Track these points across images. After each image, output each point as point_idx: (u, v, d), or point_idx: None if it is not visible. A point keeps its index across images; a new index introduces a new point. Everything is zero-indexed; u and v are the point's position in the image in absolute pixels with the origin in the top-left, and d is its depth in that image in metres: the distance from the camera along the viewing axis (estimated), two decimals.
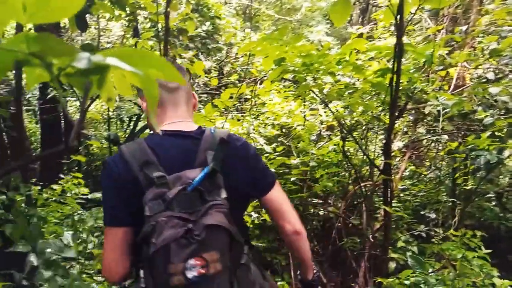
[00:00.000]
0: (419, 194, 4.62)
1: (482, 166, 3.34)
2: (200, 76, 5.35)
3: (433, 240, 3.70)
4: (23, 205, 2.70)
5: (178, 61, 4.18)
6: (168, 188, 1.09)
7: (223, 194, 1.12)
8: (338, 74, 2.87)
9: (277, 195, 1.32)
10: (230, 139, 1.25)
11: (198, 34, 5.52)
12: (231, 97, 4.14)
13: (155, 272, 1.05)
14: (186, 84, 1.35)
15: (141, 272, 1.10)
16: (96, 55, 0.46)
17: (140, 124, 5.56)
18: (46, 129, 5.14)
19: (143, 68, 0.52)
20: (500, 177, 4.96)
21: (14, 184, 2.61)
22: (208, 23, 5.67)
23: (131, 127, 5.47)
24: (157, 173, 1.12)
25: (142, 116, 5.42)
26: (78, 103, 5.48)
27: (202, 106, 5.40)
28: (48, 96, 4.53)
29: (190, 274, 1.01)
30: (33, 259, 2.25)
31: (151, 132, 1.40)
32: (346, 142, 3.65)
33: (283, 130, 4.82)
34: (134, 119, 5.52)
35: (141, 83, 0.56)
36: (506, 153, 3.61)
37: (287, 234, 1.31)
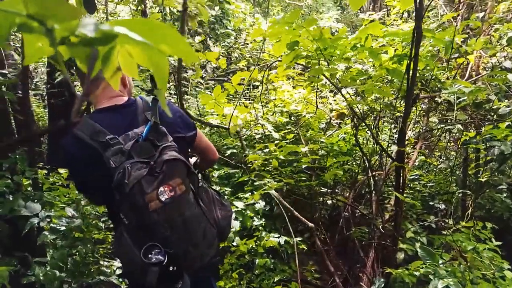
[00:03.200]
0: (428, 184, 4.55)
1: (495, 157, 3.26)
2: (208, 62, 5.28)
3: (442, 231, 3.65)
4: (29, 189, 2.68)
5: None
6: (123, 144, 1.35)
7: (170, 138, 1.42)
8: (352, 60, 2.79)
9: (202, 135, 1.71)
10: (156, 101, 1.52)
11: (207, 18, 5.43)
12: (241, 84, 4.08)
13: (134, 206, 1.29)
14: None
15: (121, 214, 1.34)
16: (103, 24, 0.41)
17: None
18: (54, 114, 5.12)
19: (154, 42, 0.47)
20: None
21: (20, 168, 2.59)
22: (217, 8, 5.56)
23: None
24: (108, 136, 1.37)
25: None
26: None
27: (210, 92, 5.34)
28: (56, 81, 4.49)
29: (163, 198, 1.30)
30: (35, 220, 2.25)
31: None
32: (359, 131, 3.59)
33: (292, 118, 4.76)
34: None
35: (150, 62, 0.51)
36: None
37: (213, 160, 1.83)
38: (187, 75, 4.82)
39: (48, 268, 2.33)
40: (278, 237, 3.42)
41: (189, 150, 1.72)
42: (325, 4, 9.73)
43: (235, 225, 3.38)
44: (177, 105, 3.41)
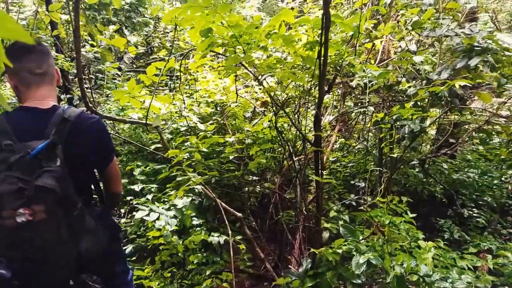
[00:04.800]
0: (349, 165, 4.79)
1: (406, 135, 3.50)
2: (126, 53, 5.02)
3: (363, 209, 3.87)
4: None
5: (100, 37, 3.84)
6: (14, 154, 1.37)
7: (58, 163, 1.41)
8: (271, 49, 2.80)
9: (114, 164, 1.78)
10: (79, 118, 1.57)
11: (122, 7, 5.14)
12: (158, 74, 3.92)
13: None
14: (31, 41, 1.64)
15: None
16: None
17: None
18: None
19: None
20: (423, 144, 5.30)
21: None
22: None
23: None
24: (6, 141, 1.40)
25: (61, 97, 4.99)
26: None
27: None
28: None
29: (20, 219, 1.33)
30: None
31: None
32: (280, 118, 3.63)
33: (218, 108, 4.71)
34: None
35: None
36: (428, 122, 3.82)
37: (116, 192, 1.85)
38: (103, 67, 4.54)
39: None
40: (218, 236, 3.39)
41: (97, 172, 1.80)
42: None
43: (172, 223, 3.27)
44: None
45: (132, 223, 3.56)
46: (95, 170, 1.80)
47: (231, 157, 3.71)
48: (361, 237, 2.90)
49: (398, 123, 3.25)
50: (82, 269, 1.65)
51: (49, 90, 1.62)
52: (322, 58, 2.23)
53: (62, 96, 4.09)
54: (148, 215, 3.16)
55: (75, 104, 4.26)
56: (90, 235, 1.59)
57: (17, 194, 1.33)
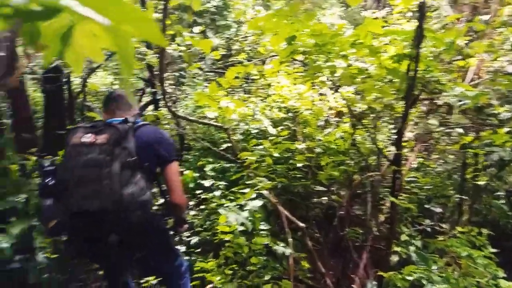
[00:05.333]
0: (425, 187, 4.50)
1: (494, 162, 3.21)
2: (208, 54, 5.19)
3: (438, 235, 3.60)
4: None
5: (178, 40, 4.02)
6: None
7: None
8: (352, 59, 2.71)
9: (174, 173, 2.10)
10: (145, 126, 2.12)
11: (208, 9, 5.34)
12: (237, 77, 4.00)
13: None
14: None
15: None
16: None
17: (144, 100, 5.43)
18: (49, 98, 5.04)
19: (116, 21, 0.40)
20: (511, 174, 4.82)
21: (8, 154, 2.53)
22: None
23: (136, 101, 5.35)
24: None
25: (146, 91, 5.29)
26: (81, 75, 5.35)
27: (207, 85, 5.26)
28: (52, 65, 4.40)
29: (85, 139, 1.90)
30: None
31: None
32: (356, 130, 3.52)
33: (290, 114, 4.69)
34: (139, 93, 5.40)
35: (115, 44, 0.44)
36: None
37: (173, 202, 2.07)
38: (185, 66, 4.74)
39: None
40: (284, 247, 3.34)
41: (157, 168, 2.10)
42: (329, 0, 9.60)
43: (248, 226, 3.30)
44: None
45: (200, 216, 3.65)
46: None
47: (298, 165, 3.66)
48: (434, 266, 2.70)
49: (487, 149, 2.99)
50: (123, 229, 1.89)
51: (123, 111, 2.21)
52: (412, 73, 2.11)
53: (148, 90, 4.33)
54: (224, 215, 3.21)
55: (158, 98, 4.49)
56: (137, 188, 1.89)
57: (89, 128, 1.92)
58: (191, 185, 3.96)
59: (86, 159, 1.87)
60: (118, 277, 2.20)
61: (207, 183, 3.96)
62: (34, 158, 3.06)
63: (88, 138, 1.91)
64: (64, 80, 4.83)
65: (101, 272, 3.35)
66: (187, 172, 3.97)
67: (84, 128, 1.98)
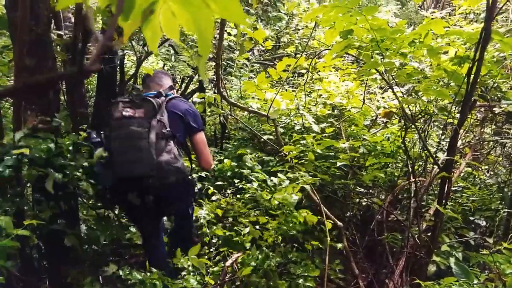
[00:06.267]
0: (471, 198, 4.28)
1: None
2: (256, 44, 5.19)
3: (481, 249, 3.43)
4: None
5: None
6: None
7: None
8: (408, 58, 2.61)
9: (202, 141, 2.51)
10: (175, 99, 2.53)
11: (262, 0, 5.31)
12: (286, 70, 3.97)
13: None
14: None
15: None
16: None
17: (191, 87, 5.52)
18: (102, 78, 5.24)
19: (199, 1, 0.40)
20: None
21: (64, 131, 2.61)
22: None
23: (183, 88, 5.46)
24: None
25: (194, 78, 5.38)
26: (135, 58, 5.52)
27: (254, 76, 5.26)
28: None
29: (125, 113, 2.22)
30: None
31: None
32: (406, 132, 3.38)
33: (335, 111, 4.59)
34: (187, 80, 5.49)
35: (194, 24, 0.44)
36: None
37: (203, 167, 2.70)
38: (234, 55, 4.76)
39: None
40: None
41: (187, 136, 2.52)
42: None
43: (294, 198, 3.33)
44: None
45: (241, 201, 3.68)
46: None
47: (339, 163, 3.59)
48: (475, 281, 2.57)
49: None
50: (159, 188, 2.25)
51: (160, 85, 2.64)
52: (473, 76, 2.00)
53: (195, 78, 4.38)
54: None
55: (205, 86, 4.54)
56: (171, 156, 2.23)
57: (128, 102, 2.23)
58: (229, 173, 4.00)
59: (128, 131, 2.16)
60: (151, 237, 2.56)
61: (245, 172, 3.98)
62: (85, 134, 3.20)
63: (128, 112, 2.20)
64: (117, 62, 5.00)
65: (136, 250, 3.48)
66: (226, 160, 4.01)
67: (123, 102, 2.25)
